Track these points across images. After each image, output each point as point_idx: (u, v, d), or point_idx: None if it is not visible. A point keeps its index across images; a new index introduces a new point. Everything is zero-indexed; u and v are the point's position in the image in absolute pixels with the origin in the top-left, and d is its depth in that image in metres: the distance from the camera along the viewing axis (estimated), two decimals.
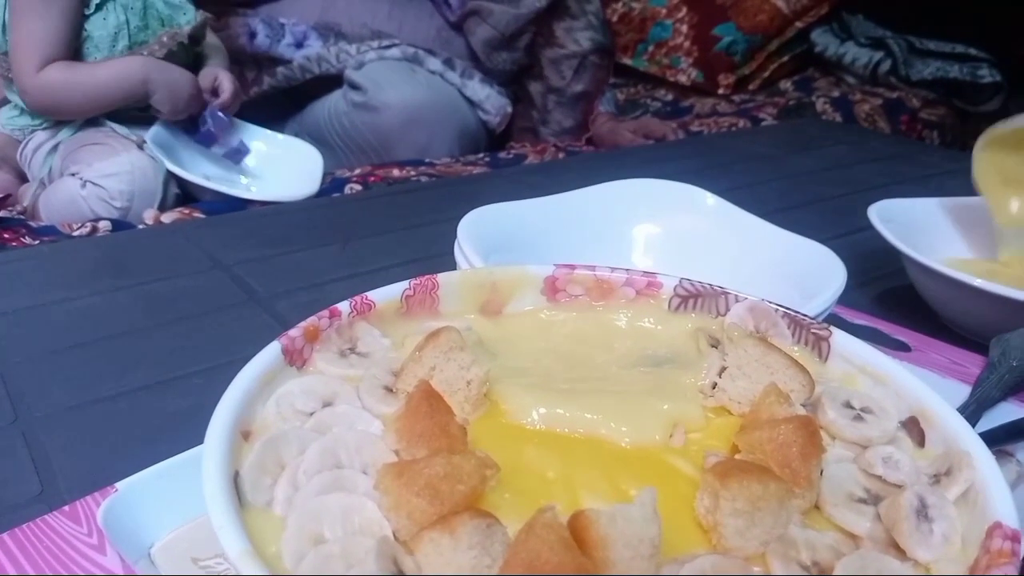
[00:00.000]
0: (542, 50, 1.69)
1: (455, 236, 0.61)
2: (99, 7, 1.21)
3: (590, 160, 1.40)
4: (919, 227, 0.80)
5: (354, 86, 1.48)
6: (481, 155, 1.37)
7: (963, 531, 0.31)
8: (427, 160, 1.36)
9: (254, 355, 0.37)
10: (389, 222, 0.97)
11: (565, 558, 0.26)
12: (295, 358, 0.38)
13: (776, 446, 0.32)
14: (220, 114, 1.28)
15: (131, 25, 1.24)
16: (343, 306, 0.42)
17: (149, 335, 0.68)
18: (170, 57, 1.28)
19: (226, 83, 1.30)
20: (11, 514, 0.45)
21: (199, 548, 0.44)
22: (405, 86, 1.47)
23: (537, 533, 0.26)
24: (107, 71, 1.21)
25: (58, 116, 1.25)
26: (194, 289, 0.76)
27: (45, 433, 0.55)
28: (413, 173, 1.27)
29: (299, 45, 1.59)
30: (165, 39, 1.27)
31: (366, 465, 0.32)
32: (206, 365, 0.63)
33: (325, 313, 0.41)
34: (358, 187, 1.20)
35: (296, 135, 1.46)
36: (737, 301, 0.45)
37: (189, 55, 1.35)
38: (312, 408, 0.35)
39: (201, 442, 0.47)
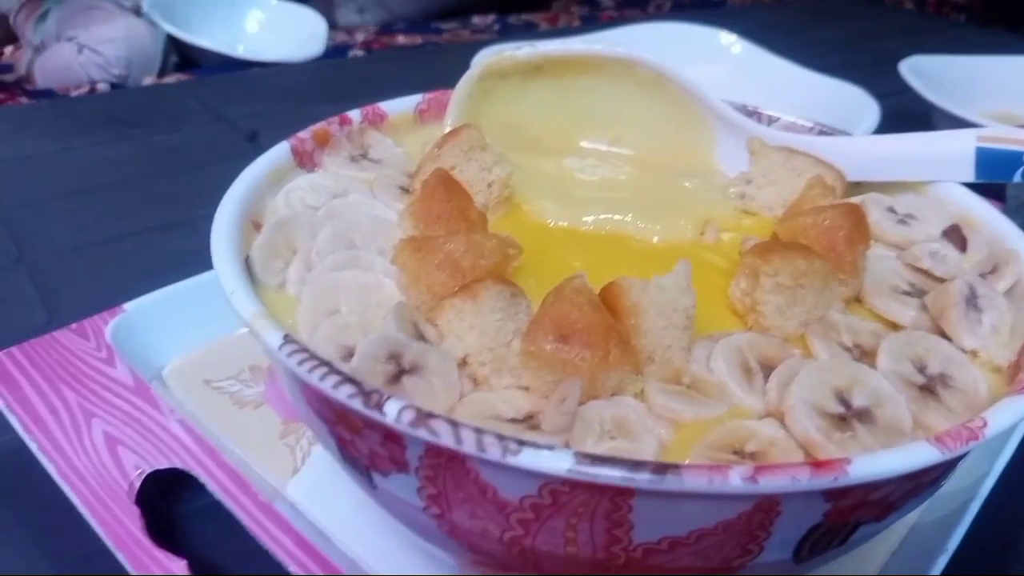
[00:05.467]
0: None
1: None
2: None
3: (603, 28, 1.34)
4: (952, 84, 0.76)
5: None
6: (491, 20, 1.31)
7: (1011, 321, 0.30)
8: (432, 27, 1.30)
9: None
10: (397, 84, 0.93)
11: (595, 318, 0.24)
12: (304, 160, 0.36)
13: (821, 231, 0.30)
14: None
15: None
16: (354, 114, 0.39)
17: (152, 183, 0.66)
18: None
19: None
20: (19, 340, 0.44)
21: (211, 371, 0.43)
22: None
23: (566, 296, 0.25)
24: None
25: None
26: (197, 141, 0.74)
27: (51, 269, 0.54)
28: (419, 39, 1.22)
29: None
30: None
31: (382, 248, 0.30)
32: (212, 210, 0.61)
33: (335, 119, 0.39)
34: (361, 53, 1.16)
35: (362, 8, 1.38)
36: (772, 121, 0.42)
37: None
38: (322, 202, 0.33)
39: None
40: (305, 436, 0.39)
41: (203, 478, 0.34)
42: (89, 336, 0.41)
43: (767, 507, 0.21)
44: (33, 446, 0.35)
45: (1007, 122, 0.68)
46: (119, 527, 0.32)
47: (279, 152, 0.35)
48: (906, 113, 0.74)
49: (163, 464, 0.35)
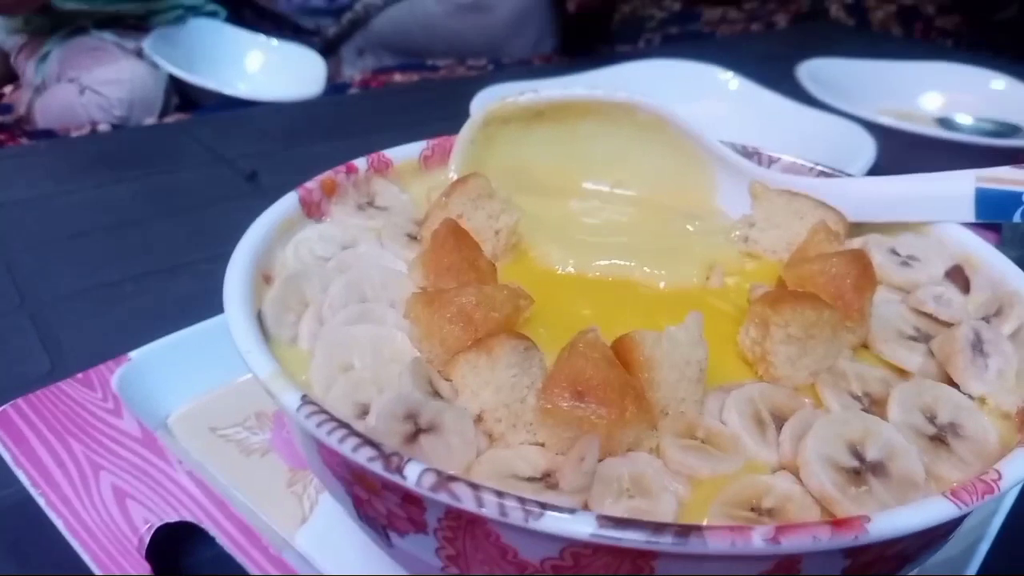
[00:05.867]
0: None
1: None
2: None
3: (595, 62, 1.36)
4: (848, 86, 0.81)
5: None
6: (485, 61, 1.32)
7: (1017, 366, 0.30)
8: (430, 64, 1.32)
9: None
10: (394, 120, 0.94)
11: (610, 374, 0.24)
12: (312, 210, 0.37)
13: (828, 278, 0.30)
14: None
15: None
16: (360, 162, 0.40)
17: (153, 225, 0.66)
18: None
19: None
20: (23, 390, 0.44)
21: (216, 418, 0.43)
22: None
23: (580, 351, 0.25)
24: None
25: None
26: (196, 181, 0.74)
27: (53, 315, 0.54)
28: (416, 77, 1.24)
29: None
30: None
31: (393, 300, 0.30)
32: (213, 252, 0.61)
33: (342, 168, 0.39)
34: (358, 91, 1.17)
35: (361, 49, 1.41)
36: (773, 162, 0.43)
37: None
38: (331, 253, 0.34)
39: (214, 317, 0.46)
40: (312, 484, 0.39)
41: (213, 531, 0.34)
42: (95, 386, 0.41)
43: (787, 566, 0.21)
44: (41, 501, 0.35)
45: (901, 118, 0.72)
46: None
47: (287, 203, 0.35)
48: (903, 143, 0.74)
49: (172, 517, 0.35)
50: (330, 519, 0.37)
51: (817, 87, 0.74)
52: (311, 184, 0.37)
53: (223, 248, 0.64)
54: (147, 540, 0.34)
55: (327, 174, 0.38)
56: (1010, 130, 0.80)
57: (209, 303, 0.47)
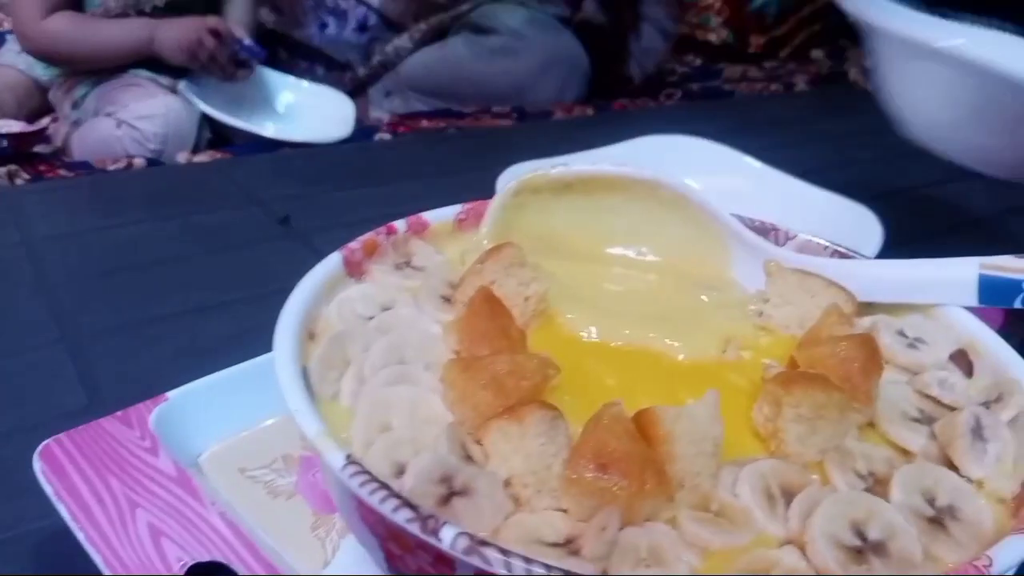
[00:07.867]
0: None
1: (487, 185, 0.61)
2: None
3: (616, 118, 1.39)
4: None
5: (484, 30, 1.45)
6: (508, 108, 1.36)
7: (1014, 453, 0.32)
8: (456, 110, 1.35)
9: (295, 285, 0.36)
10: (422, 168, 0.97)
11: (632, 448, 0.26)
12: (354, 269, 0.39)
13: (837, 361, 0.32)
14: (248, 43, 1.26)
15: None
16: (399, 224, 0.42)
17: (189, 263, 0.69)
18: (182, 10, 1.26)
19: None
20: (60, 422, 0.46)
21: (245, 459, 0.45)
22: (540, 28, 1.45)
23: (605, 424, 0.27)
24: (115, 30, 1.21)
25: (59, 66, 1.26)
26: (232, 222, 0.77)
27: (91, 350, 0.56)
28: (442, 124, 1.27)
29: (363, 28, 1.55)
30: None
31: (429, 363, 0.32)
32: (247, 293, 0.64)
33: (383, 229, 0.41)
34: (387, 136, 1.20)
35: (389, 91, 1.46)
36: (789, 238, 0.45)
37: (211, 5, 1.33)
38: (371, 313, 0.36)
39: (247, 359, 0.48)
40: (335, 529, 0.41)
41: (242, 572, 0.36)
42: (133, 424, 0.43)
43: None
44: (80, 536, 0.37)
45: None
46: None
47: (332, 263, 0.37)
48: (915, 211, 0.77)
49: (204, 556, 0.36)
50: (351, 565, 0.39)
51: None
52: (354, 245, 0.39)
53: (259, 290, 0.66)
54: None
55: (369, 235, 0.40)
56: None
57: (244, 344, 0.49)
